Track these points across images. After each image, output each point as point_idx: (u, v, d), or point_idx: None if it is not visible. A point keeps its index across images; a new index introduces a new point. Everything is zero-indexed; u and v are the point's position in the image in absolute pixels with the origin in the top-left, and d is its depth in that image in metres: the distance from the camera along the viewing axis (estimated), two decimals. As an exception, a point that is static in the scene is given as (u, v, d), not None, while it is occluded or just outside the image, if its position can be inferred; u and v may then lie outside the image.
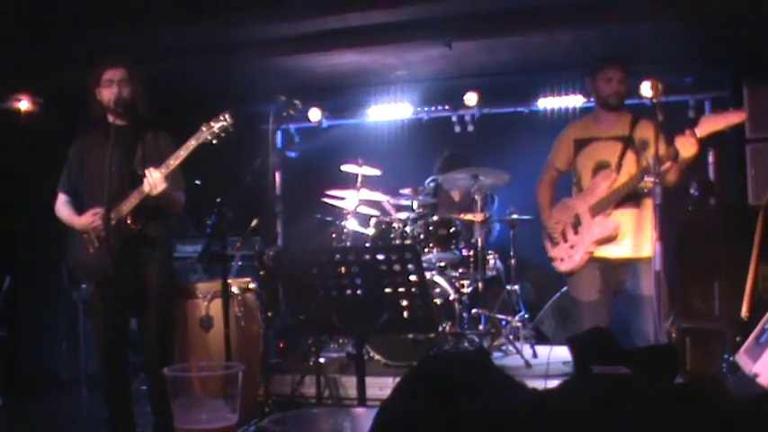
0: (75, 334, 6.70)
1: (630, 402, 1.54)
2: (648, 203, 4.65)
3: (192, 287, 4.98)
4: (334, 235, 6.55)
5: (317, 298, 3.36)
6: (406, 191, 6.61)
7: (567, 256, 4.91)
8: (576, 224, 4.87)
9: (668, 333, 5.33)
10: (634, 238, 4.75)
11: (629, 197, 4.73)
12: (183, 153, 4.31)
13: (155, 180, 4.24)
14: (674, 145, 4.41)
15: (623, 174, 4.76)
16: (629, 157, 4.79)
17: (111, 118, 4.46)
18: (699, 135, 4.39)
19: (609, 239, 4.76)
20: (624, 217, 4.76)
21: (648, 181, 4.52)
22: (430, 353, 5.77)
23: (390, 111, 8.19)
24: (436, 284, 6.02)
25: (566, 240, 4.92)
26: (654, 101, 4.39)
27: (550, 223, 5.01)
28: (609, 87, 4.85)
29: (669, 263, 4.65)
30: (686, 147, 4.39)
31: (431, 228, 6.32)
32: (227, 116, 4.33)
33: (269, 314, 5.50)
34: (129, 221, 4.34)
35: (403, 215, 6.51)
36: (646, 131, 4.73)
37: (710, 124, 4.40)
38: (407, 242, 6.18)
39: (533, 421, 1.59)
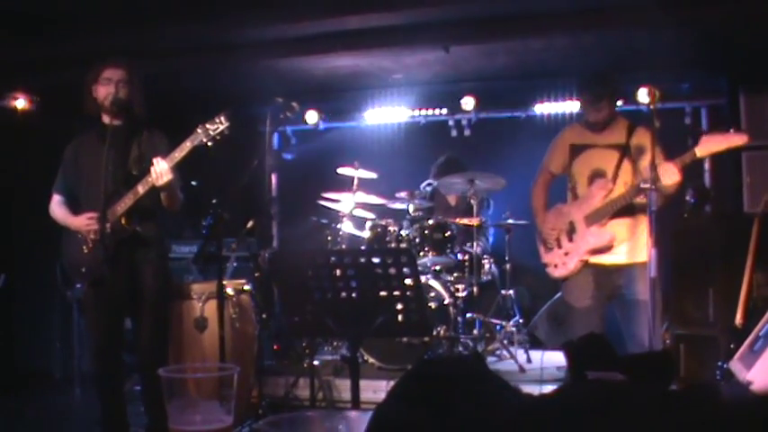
0: (69, 333, 6.69)
1: (625, 408, 1.54)
2: (645, 210, 4.66)
3: (187, 288, 4.97)
4: (329, 237, 6.56)
5: (312, 300, 3.35)
6: (403, 194, 6.61)
7: (561, 263, 4.90)
8: (571, 231, 4.86)
9: (662, 339, 5.34)
10: (629, 244, 4.75)
11: (626, 206, 4.72)
12: (177, 154, 4.29)
13: (162, 170, 4.22)
14: (656, 171, 4.40)
15: (619, 184, 4.74)
16: (626, 166, 4.78)
17: (106, 118, 4.43)
18: (698, 154, 4.39)
19: (604, 249, 4.75)
20: (620, 227, 4.74)
21: (644, 194, 4.52)
22: (424, 357, 5.77)
23: (387, 114, 8.20)
24: (431, 288, 6.03)
25: (560, 247, 4.91)
26: (651, 107, 4.39)
27: (545, 228, 5.00)
28: (587, 114, 4.88)
29: (664, 269, 4.66)
30: (668, 174, 4.40)
31: (426, 231, 6.32)
32: (222, 118, 4.31)
33: (263, 316, 5.50)
34: (123, 222, 4.33)
35: (399, 219, 6.52)
36: (642, 139, 4.72)
37: (711, 144, 4.39)
38: (403, 246, 6.19)
39: (528, 426, 1.59)
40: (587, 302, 4.82)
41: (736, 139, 4.41)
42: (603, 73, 4.97)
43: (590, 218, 4.77)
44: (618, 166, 4.77)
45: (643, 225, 4.67)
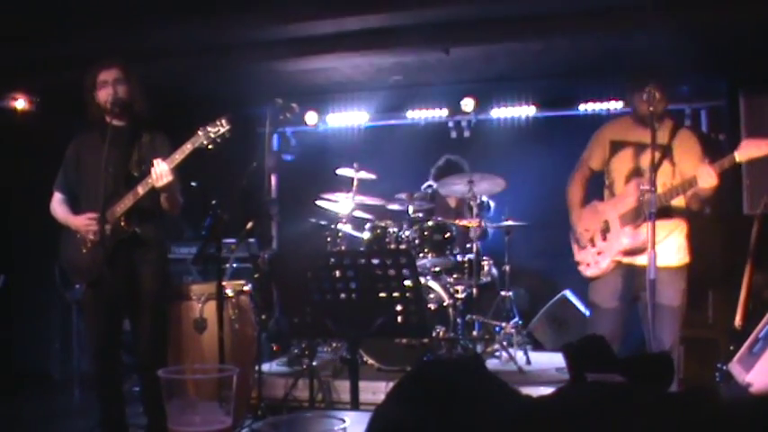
0: (68, 334, 6.69)
1: (624, 410, 1.54)
2: (682, 213, 4.63)
3: (186, 289, 4.97)
4: (328, 239, 6.55)
5: (312, 301, 3.35)
6: (402, 196, 6.61)
7: (593, 262, 4.80)
8: (605, 230, 4.77)
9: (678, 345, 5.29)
10: (663, 247, 4.61)
11: (661, 210, 4.62)
12: (178, 156, 4.29)
13: (162, 171, 4.22)
14: (693, 174, 4.36)
15: (657, 185, 4.65)
16: (665, 166, 4.64)
17: (108, 119, 4.44)
18: (738, 159, 4.31)
19: (637, 251, 4.67)
20: (656, 228, 4.65)
21: (684, 195, 4.49)
22: (423, 358, 5.77)
23: (387, 115, 8.19)
24: (430, 290, 6.02)
25: (593, 245, 4.83)
26: (650, 109, 4.36)
27: (580, 228, 4.90)
28: (644, 107, 4.72)
29: (692, 275, 4.67)
30: (705, 177, 4.33)
31: (426, 233, 6.31)
32: (223, 121, 4.32)
33: (263, 317, 5.50)
34: (122, 223, 4.33)
35: (398, 220, 6.51)
36: (685, 140, 4.66)
37: (751, 149, 4.30)
38: (402, 247, 6.18)
39: (527, 428, 1.59)
40: (614, 304, 4.72)
41: None
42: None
43: (625, 217, 4.68)
44: (657, 167, 4.67)
45: (679, 228, 4.62)
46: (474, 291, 6.33)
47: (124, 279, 4.37)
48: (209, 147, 4.33)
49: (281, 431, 1.76)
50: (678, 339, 4.72)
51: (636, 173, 4.71)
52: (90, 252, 4.36)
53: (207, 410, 1.78)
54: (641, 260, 4.64)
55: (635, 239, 4.62)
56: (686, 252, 4.71)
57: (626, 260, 4.70)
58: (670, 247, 4.61)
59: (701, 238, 5.64)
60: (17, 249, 6.85)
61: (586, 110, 7.60)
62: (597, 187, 5.01)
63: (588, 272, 4.84)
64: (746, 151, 4.30)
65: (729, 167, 4.36)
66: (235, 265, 6.22)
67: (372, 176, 6.68)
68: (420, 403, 1.65)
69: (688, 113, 7.49)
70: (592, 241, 4.82)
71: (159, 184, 4.24)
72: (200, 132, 4.32)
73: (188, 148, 4.31)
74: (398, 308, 3.28)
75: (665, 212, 4.61)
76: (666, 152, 4.66)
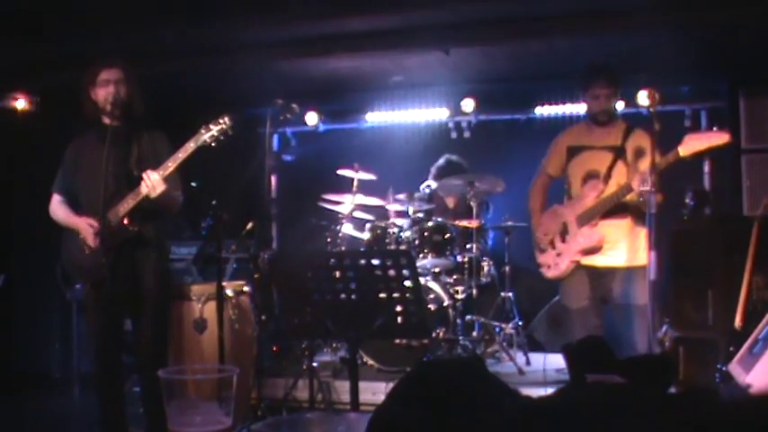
0: (68, 333, 6.69)
1: (624, 411, 1.54)
2: (640, 213, 4.66)
3: (186, 289, 4.96)
4: (329, 239, 6.55)
5: (312, 302, 3.35)
6: (402, 196, 6.61)
7: (553, 264, 4.94)
8: (564, 232, 4.90)
9: (661, 342, 5.34)
10: (622, 246, 4.76)
11: (618, 208, 4.73)
12: (181, 155, 4.28)
13: (153, 182, 4.21)
14: (655, 173, 4.40)
15: (611, 184, 4.77)
16: (619, 167, 4.80)
17: (105, 119, 4.43)
18: (682, 154, 4.40)
19: (594, 250, 4.78)
20: (612, 228, 4.76)
21: (636, 193, 4.51)
22: (423, 359, 5.77)
23: (387, 116, 8.19)
24: (430, 290, 6.02)
25: (554, 247, 4.94)
26: (651, 110, 4.39)
27: (538, 233, 5.05)
28: (596, 105, 4.87)
29: (662, 272, 4.66)
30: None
31: (426, 233, 6.31)
32: (226, 119, 4.31)
33: (263, 317, 5.50)
34: (126, 223, 4.33)
35: (398, 220, 6.51)
36: (639, 141, 4.73)
37: (694, 144, 4.39)
38: (402, 247, 6.18)
39: (527, 429, 1.59)
40: (583, 304, 4.84)
41: (716, 138, 4.41)
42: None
43: (581, 218, 4.80)
44: (611, 168, 4.79)
45: (638, 227, 4.68)
46: (474, 291, 6.33)
47: (126, 279, 4.36)
48: (212, 145, 4.33)
49: (281, 431, 1.77)
50: (655, 339, 4.77)
51: (592, 175, 4.81)
52: (93, 252, 4.34)
53: (207, 411, 1.78)
54: (600, 261, 4.78)
55: (589, 239, 4.74)
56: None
57: (585, 261, 4.82)
58: (635, 247, 4.69)
59: (702, 239, 5.65)
60: (18, 249, 6.85)
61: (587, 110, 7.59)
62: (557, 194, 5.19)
63: (549, 273, 4.98)
64: (690, 146, 4.40)
65: (674, 162, 4.42)
66: (235, 265, 6.22)
67: (372, 177, 6.68)
68: (420, 404, 1.66)
69: (688, 114, 7.49)
70: (552, 244, 4.93)
71: (152, 195, 4.23)
72: (202, 131, 4.31)
73: (190, 146, 4.30)
74: (398, 308, 3.28)
75: (618, 212, 4.71)
76: (620, 153, 4.78)
